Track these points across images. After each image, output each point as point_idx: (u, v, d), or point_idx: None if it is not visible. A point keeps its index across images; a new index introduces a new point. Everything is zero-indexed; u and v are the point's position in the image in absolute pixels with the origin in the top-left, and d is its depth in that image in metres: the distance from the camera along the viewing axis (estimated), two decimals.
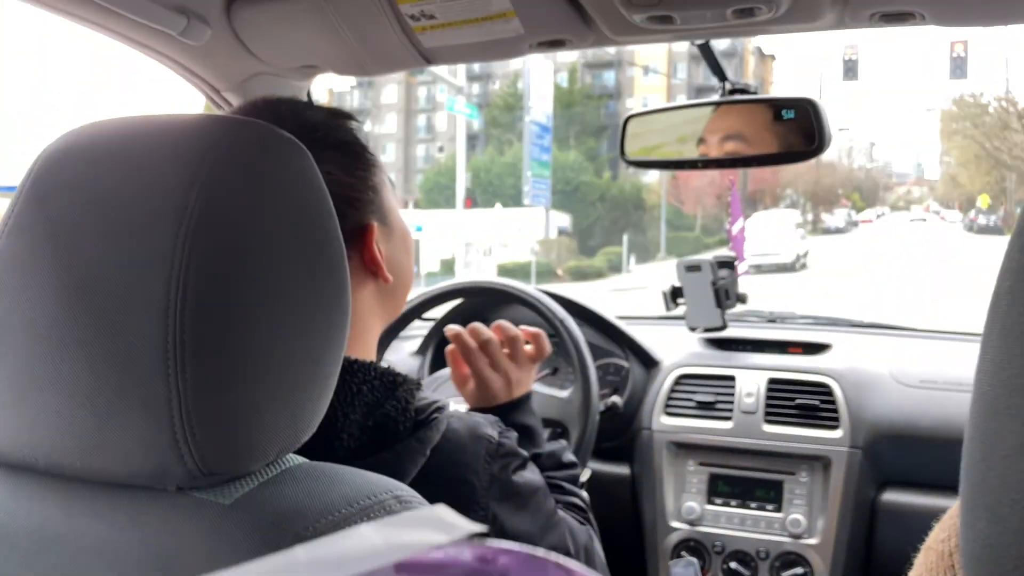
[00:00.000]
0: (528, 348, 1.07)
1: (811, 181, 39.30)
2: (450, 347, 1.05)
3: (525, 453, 0.87)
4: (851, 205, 42.38)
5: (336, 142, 0.82)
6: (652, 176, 34.99)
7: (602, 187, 32.51)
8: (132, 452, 0.52)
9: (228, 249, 0.52)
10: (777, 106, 1.27)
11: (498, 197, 28.87)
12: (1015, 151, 31.52)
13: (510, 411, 1.03)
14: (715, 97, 1.33)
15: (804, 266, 21.93)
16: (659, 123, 1.41)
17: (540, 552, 0.22)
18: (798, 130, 1.26)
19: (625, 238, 24.11)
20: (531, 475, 0.86)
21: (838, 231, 35.59)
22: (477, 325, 1.05)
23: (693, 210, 32.38)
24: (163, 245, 0.51)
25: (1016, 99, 32.41)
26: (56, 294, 0.53)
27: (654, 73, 38.25)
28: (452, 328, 1.04)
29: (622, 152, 1.39)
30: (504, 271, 19.13)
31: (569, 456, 1.07)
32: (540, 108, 22.53)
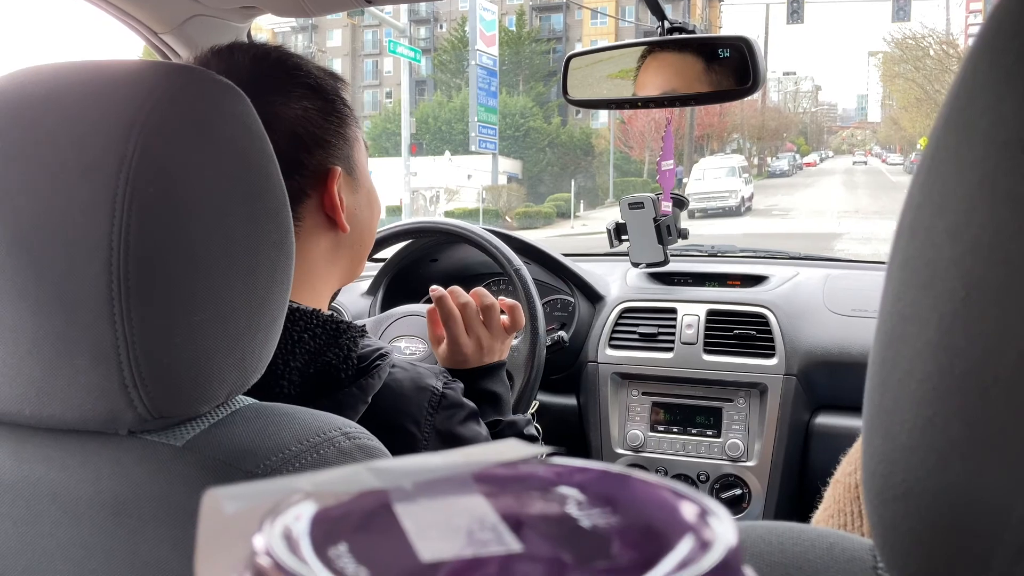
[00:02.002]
0: (504, 319, 1.09)
1: (757, 125, 39.64)
2: (430, 307, 1.06)
3: (471, 405, 0.86)
4: (796, 149, 42.89)
5: (315, 85, 0.82)
6: (601, 121, 34.92)
7: (551, 133, 32.37)
8: (82, 398, 0.52)
9: (169, 194, 0.52)
10: (713, 45, 1.31)
11: (447, 144, 28.59)
12: None
13: (479, 376, 1.04)
14: (654, 36, 1.36)
15: (749, 209, 22.25)
16: (600, 62, 1.43)
17: (616, 468, 0.22)
18: (733, 69, 1.29)
19: (573, 184, 24.15)
20: (477, 427, 0.86)
21: (783, 174, 36.09)
22: (456, 288, 1.06)
23: (640, 155, 32.47)
24: (103, 192, 0.50)
25: (956, 42, 32.93)
26: None
27: (602, 16, 37.93)
28: (437, 289, 1.05)
29: (564, 91, 1.41)
30: (452, 217, 19.05)
31: (530, 430, 1.09)
32: (487, 51, 22.24)
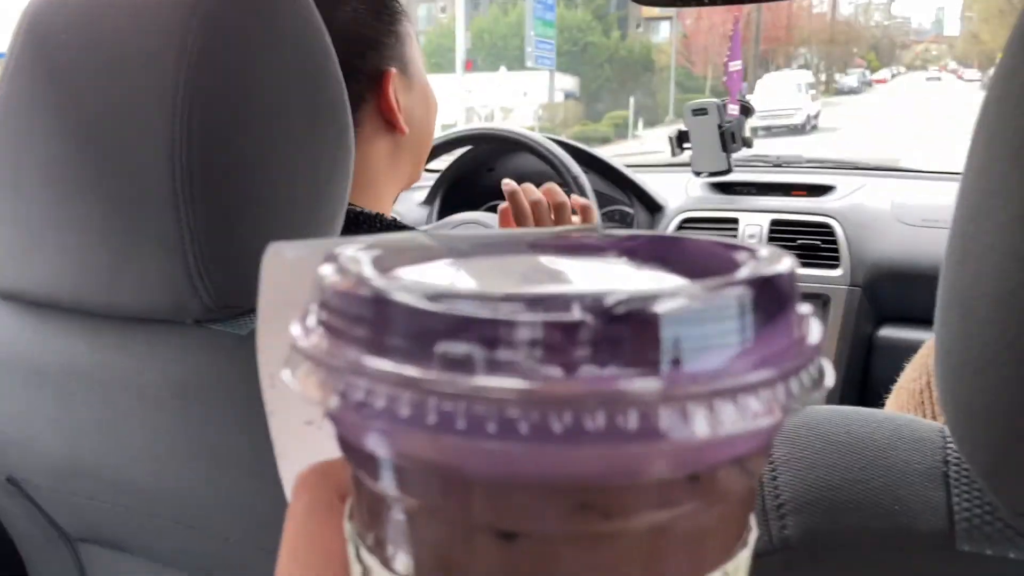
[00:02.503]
0: (575, 218, 1.06)
1: (825, 40, 38.07)
2: (503, 204, 1.05)
3: None
4: (866, 65, 41.15)
5: None
6: (662, 36, 33.89)
7: (610, 47, 31.56)
8: (149, 288, 0.54)
9: (229, 87, 0.52)
10: None
11: (502, 60, 28.12)
12: None
13: None
14: None
15: (815, 128, 21.56)
16: None
17: (671, 234, 0.21)
18: None
19: (632, 101, 23.64)
20: None
21: (852, 92, 34.76)
22: (528, 185, 1.03)
23: (703, 71, 31.54)
24: (164, 84, 0.51)
25: None
26: (63, 136, 0.54)
27: None
28: (509, 184, 1.02)
29: None
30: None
31: None
32: None
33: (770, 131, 20.12)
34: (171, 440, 0.57)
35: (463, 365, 0.13)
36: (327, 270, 0.17)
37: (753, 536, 0.18)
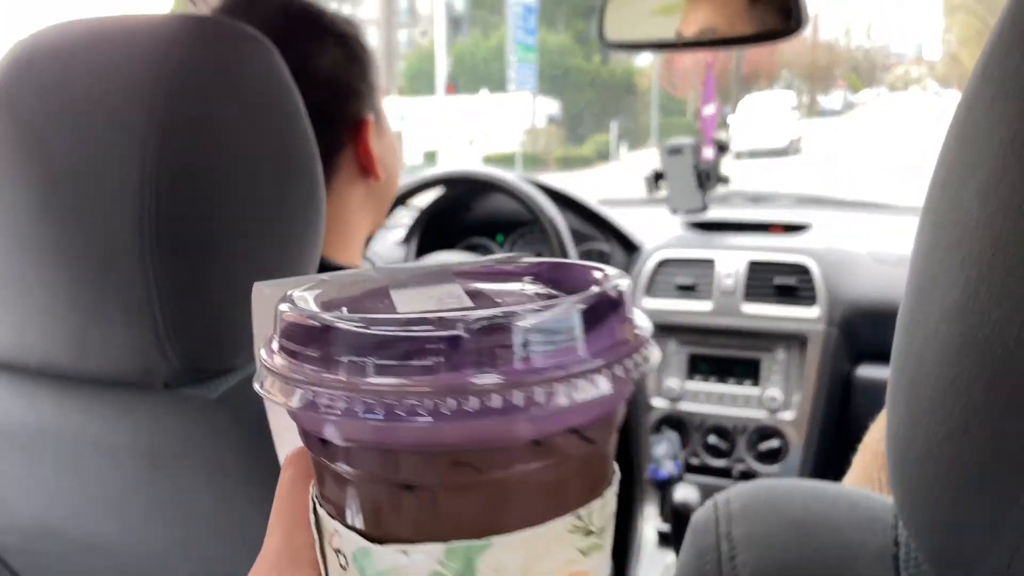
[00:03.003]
0: None
1: (807, 62, 38.51)
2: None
3: None
4: (847, 86, 41.65)
5: (339, 32, 0.83)
6: (644, 60, 34.17)
7: (592, 71, 31.78)
8: (118, 351, 0.54)
9: (197, 148, 0.52)
10: None
11: (484, 83, 28.28)
12: None
13: None
14: None
15: (798, 151, 21.74)
16: (639, 3, 1.38)
17: (568, 261, 0.27)
18: (777, 9, 1.24)
19: (614, 125, 23.78)
20: None
21: (834, 113, 35.12)
22: None
23: (685, 94, 31.79)
24: (133, 146, 0.51)
25: None
26: (31, 198, 0.54)
27: None
28: None
29: (600, 34, 1.37)
30: (489, 161, 18.90)
31: None
32: None
33: (754, 154, 20.28)
34: (140, 502, 0.57)
35: (368, 370, 0.19)
36: (283, 307, 0.23)
37: (612, 488, 0.24)
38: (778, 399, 1.55)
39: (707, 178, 1.67)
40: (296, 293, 0.24)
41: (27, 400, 0.59)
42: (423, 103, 22.88)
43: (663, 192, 1.75)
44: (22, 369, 0.58)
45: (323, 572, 0.25)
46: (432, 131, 19.68)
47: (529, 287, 0.26)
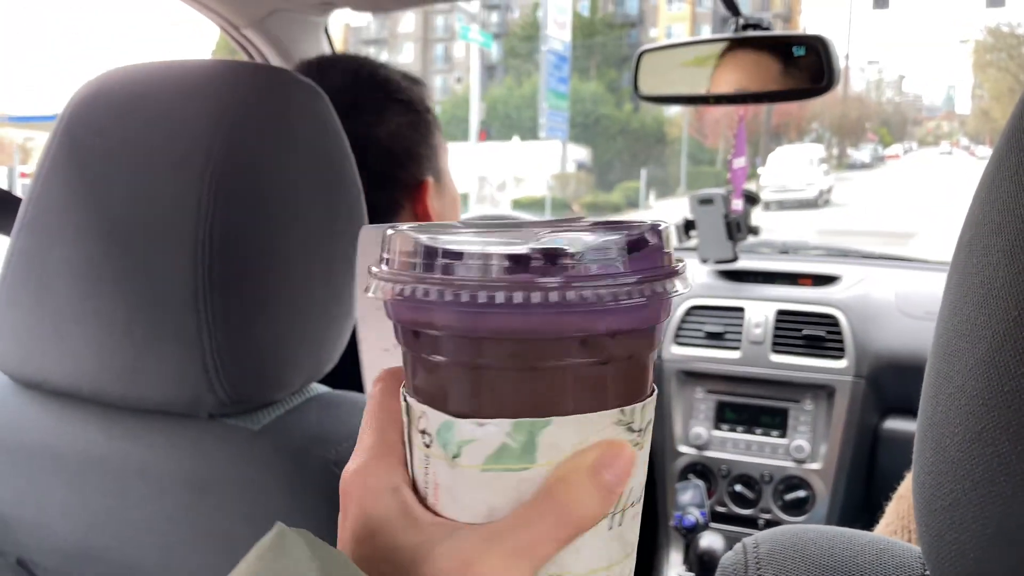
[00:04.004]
0: None
1: (837, 115, 38.55)
2: None
3: None
4: (878, 139, 41.54)
5: (404, 99, 0.87)
6: (674, 109, 34.38)
7: (622, 120, 32.03)
8: (167, 381, 0.55)
9: (252, 191, 0.54)
10: (788, 43, 1.29)
11: (515, 130, 28.54)
12: None
13: None
14: (728, 33, 1.34)
15: (827, 202, 21.66)
16: (673, 58, 1.42)
17: (627, 219, 0.31)
18: (808, 68, 1.27)
19: (643, 172, 23.85)
20: None
21: (864, 166, 35.01)
22: None
23: (715, 144, 31.91)
24: (191, 187, 0.53)
25: None
26: (91, 234, 0.56)
27: (679, 1, 37.32)
28: None
29: (636, 87, 1.41)
30: (519, 206, 19.00)
31: None
32: (558, 37, 22.07)
33: (782, 205, 20.22)
34: (181, 530, 0.58)
35: (456, 270, 0.26)
36: (391, 232, 0.28)
37: (651, 399, 0.29)
38: (805, 449, 1.55)
39: (737, 229, 1.69)
40: (401, 226, 0.29)
41: (77, 426, 0.60)
42: (456, 148, 23.04)
43: (693, 241, 1.78)
44: (75, 395, 0.60)
45: (409, 460, 0.30)
46: (463, 175, 19.87)
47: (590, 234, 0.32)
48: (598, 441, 0.27)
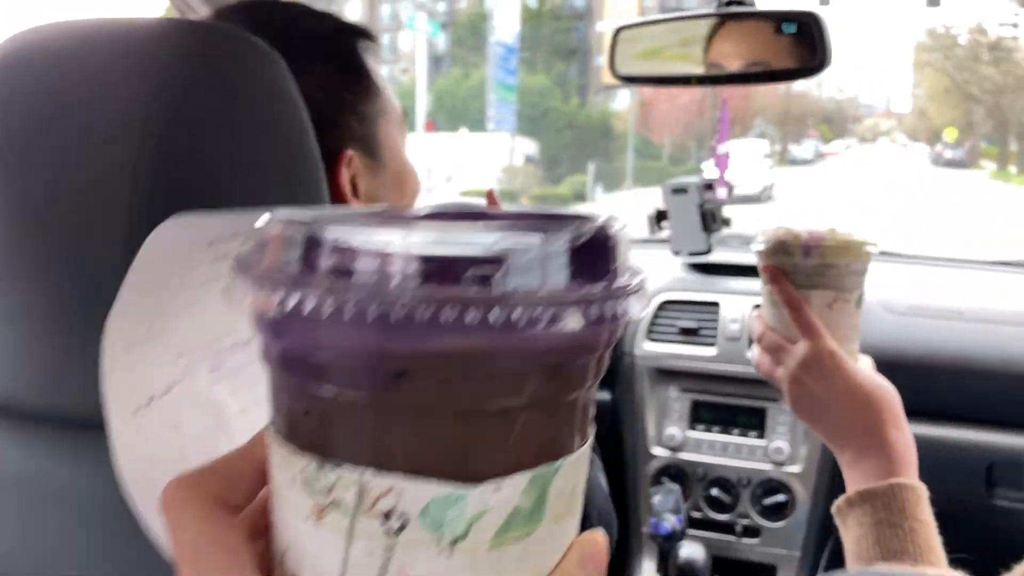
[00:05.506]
0: None
1: (781, 111, 39.20)
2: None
3: None
4: (819, 136, 42.42)
5: (328, 56, 0.73)
6: (621, 103, 34.61)
7: (570, 113, 32.10)
8: (95, 389, 0.47)
9: (196, 165, 0.48)
10: (778, 20, 1.20)
11: (463, 121, 28.41)
12: (984, 84, 31.65)
13: None
14: (711, 8, 1.26)
15: (770, 198, 22.00)
16: (651, 36, 1.34)
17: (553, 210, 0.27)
18: (799, 45, 1.19)
19: (591, 166, 23.92)
20: None
21: (805, 162, 35.68)
22: None
23: (661, 139, 32.20)
24: (123, 157, 0.46)
25: (987, 31, 32.40)
26: (9, 213, 0.48)
27: None
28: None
29: (612, 66, 1.32)
30: (467, 197, 18.91)
31: None
32: (506, 28, 22.01)
33: (727, 199, 20.43)
34: (115, 564, 0.51)
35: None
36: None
37: (582, 447, 0.23)
38: (784, 451, 1.48)
39: (712, 219, 1.61)
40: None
41: None
42: None
43: (665, 232, 1.70)
44: None
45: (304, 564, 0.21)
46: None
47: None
48: (575, 540, 0.23)
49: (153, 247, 0.25)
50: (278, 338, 0.21)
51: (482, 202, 1.58)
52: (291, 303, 0.19)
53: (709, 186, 1.64)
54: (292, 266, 0.20)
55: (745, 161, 22.29)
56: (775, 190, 22.89)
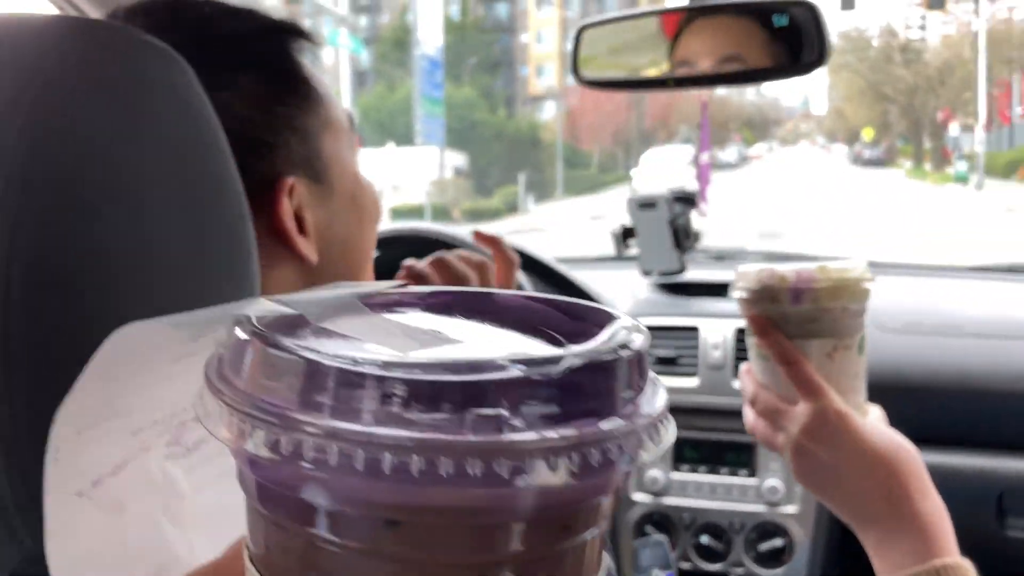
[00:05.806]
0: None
1: None
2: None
3: None
4: (742, 140, 43.37)
5: (255, 64, 0.60)
6: (548, 114, 34.82)
7: (497, 125, 32.16)
8: None
9: (78, 188, 0.39)
10: (766, 12, 1.06)
11: (390, 136, 28.17)
12: (897, 85, 32.82)
13: None
14: (684, 3, 1.11)
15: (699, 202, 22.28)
16: (619, 34, 1.19)
17: (482, 289, 0.26)
18: (789, 40, 1.05)
19: (521, 177, 23.92)
20: None
21: (729, 167, 36.37)
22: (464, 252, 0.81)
23: (590, 147, 32.46)
24: None
25: (897, 32, 33.63)
26: None
27: (547, 5, 37.81)
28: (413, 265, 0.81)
29: (575, 69, 1.17)
30: (397, 214, 18.68)
31: None
32: (431, 42, 21.89)
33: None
34: None
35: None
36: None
37: None
38: (779, 490, 1.34)
39: (685, 235, 1.48)
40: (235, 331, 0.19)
41: None
42: None
43: (633, 250, 1.55)
44: None
45: None
46: None
47: (463, 322, 0.24)
48: None
49: (118, 337, 0.23)
50: (254, 471, 0.18)
51: (431, 226, 1.42)
52: (267, 442, 0.16)
53: (680, 199, 1.50)
54: (270, 395, 0.17)
55: (671, 167, 22.60)
56: (700, 196, 23.19)
